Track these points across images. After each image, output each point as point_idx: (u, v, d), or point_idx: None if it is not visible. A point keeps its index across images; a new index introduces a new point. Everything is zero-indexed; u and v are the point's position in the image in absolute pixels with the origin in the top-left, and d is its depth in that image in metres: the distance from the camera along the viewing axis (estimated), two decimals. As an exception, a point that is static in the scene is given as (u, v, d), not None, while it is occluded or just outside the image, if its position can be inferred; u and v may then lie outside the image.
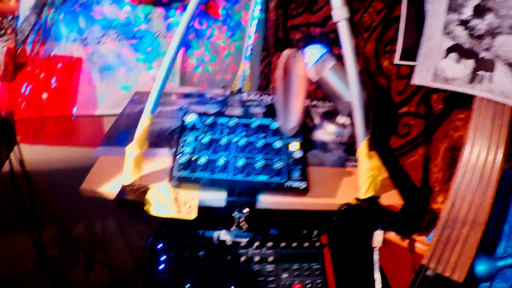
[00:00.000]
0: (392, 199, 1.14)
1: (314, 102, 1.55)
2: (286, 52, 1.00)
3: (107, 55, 1.60)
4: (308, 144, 1.28)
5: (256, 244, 1.27)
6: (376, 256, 1.22)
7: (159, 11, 1.62)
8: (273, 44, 1.81)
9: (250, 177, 1.07)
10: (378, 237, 1.22)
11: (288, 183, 1.07)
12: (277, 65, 0.95)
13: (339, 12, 1.05)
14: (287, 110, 1.09)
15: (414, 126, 1.43)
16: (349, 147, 1.29)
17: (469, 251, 1.14)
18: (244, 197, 1.07)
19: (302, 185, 1.07)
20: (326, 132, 1.33)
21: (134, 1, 1.60)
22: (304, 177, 1.09)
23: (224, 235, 1.31)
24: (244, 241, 1.28)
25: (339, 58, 1.27)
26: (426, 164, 1.41)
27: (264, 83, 1.86)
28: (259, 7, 1.43)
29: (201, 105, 1.45)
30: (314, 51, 1.34)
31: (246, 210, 1.09)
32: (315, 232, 1.32)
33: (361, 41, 1.55)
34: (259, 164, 1.09)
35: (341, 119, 1.32)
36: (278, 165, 1.09)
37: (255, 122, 1.21)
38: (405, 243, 1.49)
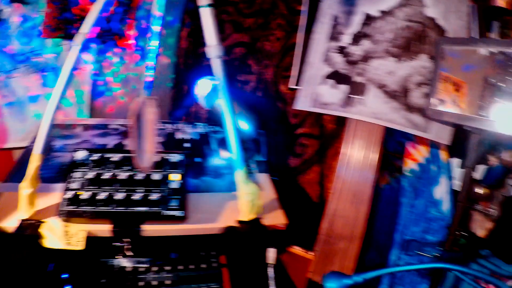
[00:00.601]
0: (276, 219, 1.22)
1: (214, 129, 1.58)
2: (139, 99, 1.09)
3: (17, 88, 1.61)
4: (201, 171, 1.35)
5: (155, 269, 1.33)
6: (270, 273, 1.30)
7: (67, 43, 1.65)
8: (183, 71, 1.86)
9: (130, 208, 1.13)
10: (271, 254, 1.30)
11: (165, 213, 1.13)
12: (131, 111, 1.05)
13: (213, 50, 1.15)
14: (141, 151, 1.13)
15: (309, 146, 1.51)
16: None
17: (349, 264, 1.21)
18: (126, 228, 1.15)
19: (178, 213, 1.14)
20: (220, 158, 1.41)
21: (44, 34, 1.66)
22: (181, 206, 1.15)
23: (125, 262, 1.36)
24: (143, 267, 1.35)
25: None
26: (321, 181, 1.49)
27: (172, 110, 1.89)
28: (156, 42, 1.50)
29: (104, 136, 1.48)
30: (206, 82, 1.43)
31: (126, 239, 1.17)
32: (213, 253, 1.39)
33: (262, 68, 1.64)
34: (139, 196, 1.14)
35: (234, 144, 1.40)
36: (155, 196, 1.15)
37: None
38: (309, 255, 1.56)
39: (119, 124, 1.56)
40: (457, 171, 1.33)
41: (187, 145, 1.44)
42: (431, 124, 1.22)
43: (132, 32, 1.76)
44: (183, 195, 1.18)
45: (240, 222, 1.17)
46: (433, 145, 1.32)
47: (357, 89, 1.31)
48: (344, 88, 1.33)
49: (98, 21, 1.22)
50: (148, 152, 1.04)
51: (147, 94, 1.63)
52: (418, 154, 1.31)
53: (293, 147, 1.54)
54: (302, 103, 1.35)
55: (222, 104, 1.14)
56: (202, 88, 1.39)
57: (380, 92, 1.27)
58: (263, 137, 1.42)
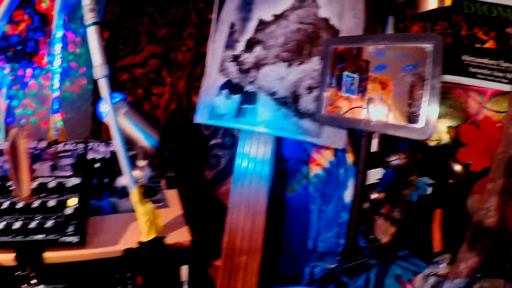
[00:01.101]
0: (180, 236, 1.29)
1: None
2: (13, 131, 1.16)
3: None
4: (109, 192, 1.43)
5: (70, 295, 1.42)
6: (185, 291, 1.38)
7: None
8: None
9: (29, 237, 1.19)
10: (183, 271, 1.39)
11: (62, 239, 1.20)
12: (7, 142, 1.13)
13: (99, 70, 1.21)
14: (18, 181, 1.20)
15: (222, 157, 1.58)
16: (147, 190, 1.43)
17: (251, 277, 1.29)
18: (27, 256, 1.23)
19: (75, 239, 1.20)
20: (129, 176, 1.49)
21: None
22: (78, 231, 1.21)
23: (41, 291, 1.45)
24: (58, 294, 1.43)
25: (136, 104, 1.45)
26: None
27: (95, 127, 1.95)
28: (59, 60, 1.57)
29: (15, 161, 1.58)
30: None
31: (28, 268, 1.25)
32: (129, 275, 1.47)
33: (175, 79, 1.71)
34: (36, 223, 1.20)
35: (140, 162, 1.48)
36: (50, 223, 1.20)
37: (35, 183, 1.31)
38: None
39: (32, 148, 1.60)
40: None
41: (97, 165, 1.51)
42: (324, 129, 1.28)
43: (46, 50, 1.82)
44: (81, 219, 1.25)
45: (140, 243, 1.24)
46: (338, 149, 1.39)
47: (248, 98, 1.38)
48: (236, 98, 1.40)
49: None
50: (24, 182, 1.12)
51: (55, 113, 1.72)
52: (322, 159, 1.38)
53: (208, 159, 1.63)
54: (201, 116, 1.42)
55: (109, 123, 1.21)
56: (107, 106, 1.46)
57: (270, 99, 1.34)
58: (172, 151, 1.50)
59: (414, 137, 1.08)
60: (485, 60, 1.40)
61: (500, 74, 1.39)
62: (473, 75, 1.39)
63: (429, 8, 1.30)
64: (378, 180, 1.35)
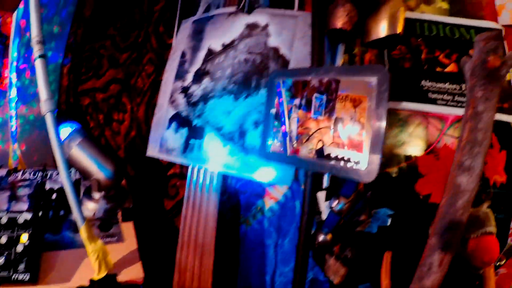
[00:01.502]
0: (133, 273, 1.34)
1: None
2: None
3: None
4: (64, 225, 1.48)
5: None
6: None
7: None
8: (64, 112, 1.98)
9: None
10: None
11: (14, 276, 1.25)
12: None
13: (45, 105, 1.21)
14: None
15: (181, 187, 1.61)
16: (102, 223, 1.48)
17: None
18: (-20, 294, 1.31)
19: (26, 276, 1.25)
20: (85, 209, 1.55)
21: None
22: (28, 268, 1.26)
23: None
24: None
25: (92, 135, 1.50)
26: (196, 223, 1.62)
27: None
28: (15, 92, 1.63)
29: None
30: (66, 129, 1.56)
31: (-20, 306, 1.33)
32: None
33: (134, 106, 1.76)
34: None
35: (96, 194, 1.54)
36: (1, 260, 1.25)
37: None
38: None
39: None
40: (323, 205, 1.44)
41: (54, 196, 1.55)
42: (271, 166, 1.30)
43: (7, 72, 1.87)
44: (33, 256, 1.30)
45: (91, 281, 1.29)
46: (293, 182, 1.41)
47: (196, 133, 1.41)
48: (184, 132, 1.43)
49: None
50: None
51: (13, 139, 1.78)
52: (276, 192, 1.42)
53: (166, 189, 1.68)
54: (152, 149, 1.46)
55: (56, 158, 1.24)
56: (62, 135, 1.51)
57: (216, 134, 1.37)
58: (131, 180, 1.55)
59: (355, 179, 1.07)
60: (446, 85, 1.40)
61: (462, 99, 1.38)
62: (433, 101, 1.39)
63: (380, 36, 1.29)
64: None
